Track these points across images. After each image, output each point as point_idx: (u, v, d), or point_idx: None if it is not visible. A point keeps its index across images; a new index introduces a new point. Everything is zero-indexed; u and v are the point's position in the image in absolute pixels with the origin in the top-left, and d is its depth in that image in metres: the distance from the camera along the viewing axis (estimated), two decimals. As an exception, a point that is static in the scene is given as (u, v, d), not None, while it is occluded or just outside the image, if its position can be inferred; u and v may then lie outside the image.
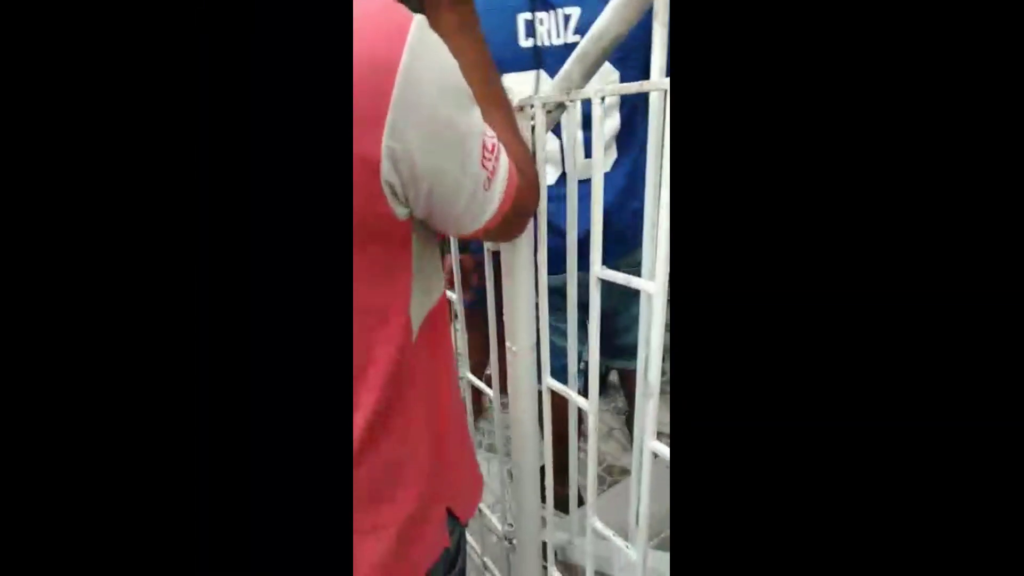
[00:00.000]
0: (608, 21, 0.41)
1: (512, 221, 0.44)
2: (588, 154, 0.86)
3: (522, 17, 0.88)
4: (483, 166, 0.37)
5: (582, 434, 0.62)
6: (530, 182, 0.45)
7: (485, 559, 1.00)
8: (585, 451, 0.56)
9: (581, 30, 0.88)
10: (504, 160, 0.40)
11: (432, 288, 0.45)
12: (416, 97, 0.32)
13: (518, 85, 0.89)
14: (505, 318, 0.64)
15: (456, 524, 0.50)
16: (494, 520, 0.93)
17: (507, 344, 0.66)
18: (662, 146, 0.41)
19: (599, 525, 0.58)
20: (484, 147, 0.37)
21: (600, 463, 1.31)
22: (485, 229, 0.41)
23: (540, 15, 0.88)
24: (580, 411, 0.58)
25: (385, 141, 0.32)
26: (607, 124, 0.98)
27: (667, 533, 1.00)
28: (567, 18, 0.88)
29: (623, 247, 1.07)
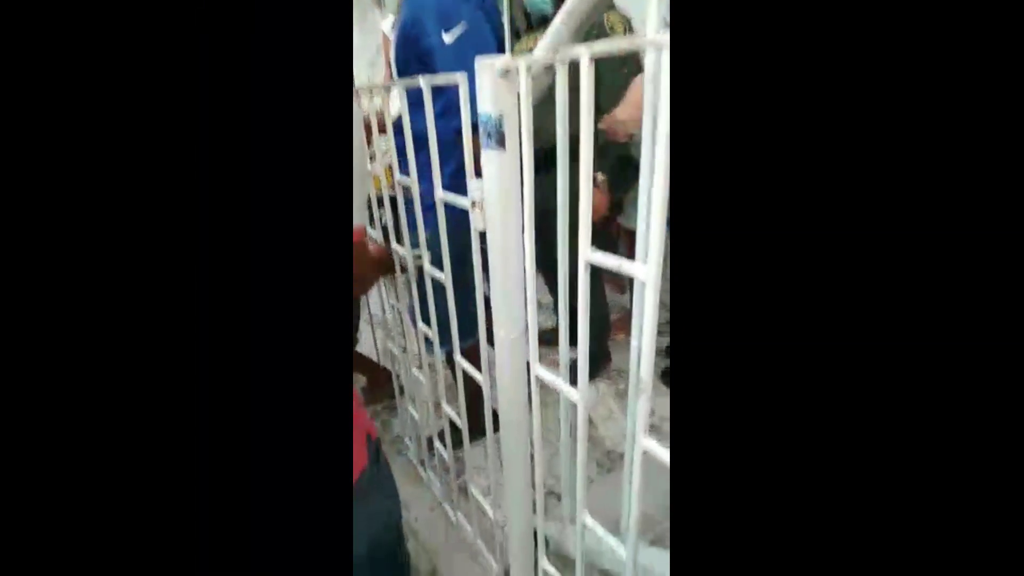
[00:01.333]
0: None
1: None
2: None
3: None
4: None
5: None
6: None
7: (479, 542, 0.98)
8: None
9: None
10: None
11: None
12: None
13: None
14: (494, 303, 0.60)
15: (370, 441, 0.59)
16: (486, 505, 0.91)
17: (495, 330, 0.62)
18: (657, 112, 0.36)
19: (589, 521, 0.55)
20: None
21: (599, 447, 1.28)
22: None
23: None
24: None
25: None
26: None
27: (659, 528, 0.98)
28: None
29: None
